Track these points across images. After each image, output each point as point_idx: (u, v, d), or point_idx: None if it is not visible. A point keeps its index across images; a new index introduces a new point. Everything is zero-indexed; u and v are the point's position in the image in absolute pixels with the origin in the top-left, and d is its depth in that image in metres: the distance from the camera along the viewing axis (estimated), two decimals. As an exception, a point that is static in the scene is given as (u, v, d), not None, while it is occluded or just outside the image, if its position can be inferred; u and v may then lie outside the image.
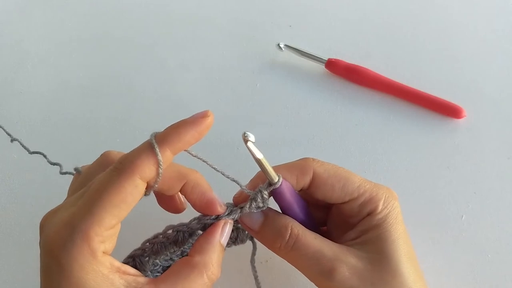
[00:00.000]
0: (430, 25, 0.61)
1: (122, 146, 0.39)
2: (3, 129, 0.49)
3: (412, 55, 0.59)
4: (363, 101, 0.56)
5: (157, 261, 0.38)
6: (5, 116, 0.58)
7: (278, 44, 0.59)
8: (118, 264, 0.33)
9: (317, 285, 0.38)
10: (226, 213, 0.37)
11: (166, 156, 0.33)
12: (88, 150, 0.40)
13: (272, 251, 0.38)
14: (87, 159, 0.40)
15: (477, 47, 0.59)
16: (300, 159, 0.39)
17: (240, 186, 0.37)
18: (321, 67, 0.58)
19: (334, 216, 0.41)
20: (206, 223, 0.37)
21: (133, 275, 0.34)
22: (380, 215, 0.37)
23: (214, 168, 0.37)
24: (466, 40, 0.60)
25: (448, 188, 0.50)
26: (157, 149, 0.33)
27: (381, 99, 0.56)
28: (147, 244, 0.38)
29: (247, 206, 0.37)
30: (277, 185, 0.36)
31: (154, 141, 0.33)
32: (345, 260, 0.35)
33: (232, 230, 0.40)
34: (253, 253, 0.41)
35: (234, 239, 0.41)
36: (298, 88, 0.58)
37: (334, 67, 0.57)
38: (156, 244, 0.37)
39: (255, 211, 0.37)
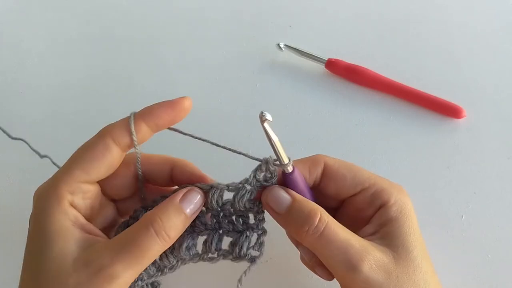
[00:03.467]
0: (430, 25, 0.61)
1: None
2: None
3: (412, 55, 0.59)
4: (363, 101, 0.56)
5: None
6: (5, 116, 0.57)
7: (278, 44, 0.59)
8: (84, 221, 0.35)
9: (338, 277, 0.36)
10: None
11: (142, 128, 0.36)
12: (88, 150, 0.40)
13: (296, 236, 0.38)
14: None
15: (477, 47, 0.59)
16: (312, 155, 0.40)
17: (245, 155, 0.38)
18: (321, 67, 0.58)
19: (345, 214, 0.41)
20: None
21: (96, 235, 0.35)
22: (394, 207, 0.37)
23: (216, 144, 0.38)
24: (466, 40, 0.60)
25: (448, 188, 0.50)
26: (131, 119, 0.36)
27: (381, 99, 0.56)
28: None
29: (252, 175, 0.37)
30: (287, 167, 0.36)
31: (132, 114, 0.36)
32: (372, 253, 0.35)
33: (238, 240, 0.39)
34: (245, 273, 0.39)
35: (234, 246, 0.39)
36: (298, 88, 0.58)
37: (334, 67, 0.57)
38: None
39: (264, 183, 0.37)
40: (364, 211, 0.39)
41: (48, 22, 0.65)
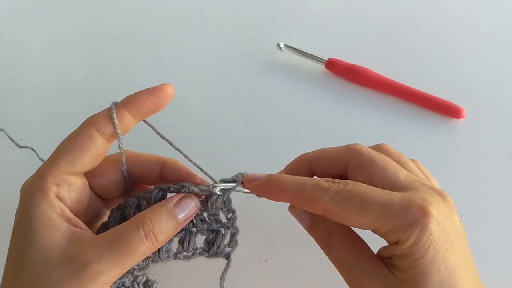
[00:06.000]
0: (430, 25, 0.61)
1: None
2: None
3: (412, 55, 0.59)
4: (363, 101, 0.56)
5: None
6: (5, 116, 0.58)
7: (278, 44, 0.59)
8: (70, 215, 0.35)
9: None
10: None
11: (125, 116, 0.36)
12: (88, 150, 0.40)
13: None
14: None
15: (477, 47, 0.59)
16: (314, 185, 0.34)
17: (204, 172, 0.39)
18: (321, 67, 0.58)
19: None
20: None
21: (82, 228, 0.35)
22: (405, 245, 0.31)
23: (179, 150, 0.39)
24: (466, 40, 0.60)
25: (448, 188, 0.50)
26: (113, 107, 0.36)
27: (381, 99, 0.56)
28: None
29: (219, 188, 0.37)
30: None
31: (112, 104, 0.36)
32: (374, 278, 0.33)
33: (212, 231, 0.39)
34: (225, 270, 0.40)
35: (210, 244, 0.39)
36: (298, 88, 0.58)
37: (334, 67, 0.57)
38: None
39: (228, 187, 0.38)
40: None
41: (48, 22, 0.65)
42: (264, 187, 0.36)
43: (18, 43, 0.64)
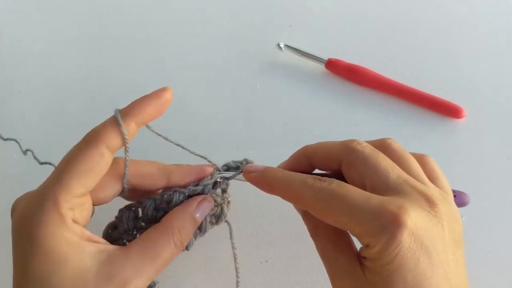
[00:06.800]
0: (430, 25, 0.61)
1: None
2: None
3: (412, 55, 0.59)
4: (363, 101, 0.56)
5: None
6: (5, 116, 0.58)
7: (278, 44, 0.59)
8: (88, 233, 0.35)
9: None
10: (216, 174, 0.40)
11: (130, 127, 0.36)
12: (88, 150, 0.40)
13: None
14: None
15: (477, 47, 0.59)
16: (300, 181, 0.36)
17: (208, 161, 0.41)
18: (321, 67, 0.58)
19: None
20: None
21: (104, 243, 0.35)
22: (373, 250, 0.31)
23: (180, 145, 0.40)
24: (466, 40, 0.60)
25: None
26: (121, 120, 0.35)
27: (381, 99, 0.56)
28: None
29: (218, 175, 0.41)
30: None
31: (118, 113, 0.36)
32: (346, 276, 0.34)
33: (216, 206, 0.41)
34: (231, 231, 0.42)
35: (217, 217, 0.41)
36: (298, 88, 0.58)
37: (334, 67, 0.57)
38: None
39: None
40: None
41: (48, 22, 0.65)
42: (258, 179, 0.38)
43: (18, 43, 0.64)
